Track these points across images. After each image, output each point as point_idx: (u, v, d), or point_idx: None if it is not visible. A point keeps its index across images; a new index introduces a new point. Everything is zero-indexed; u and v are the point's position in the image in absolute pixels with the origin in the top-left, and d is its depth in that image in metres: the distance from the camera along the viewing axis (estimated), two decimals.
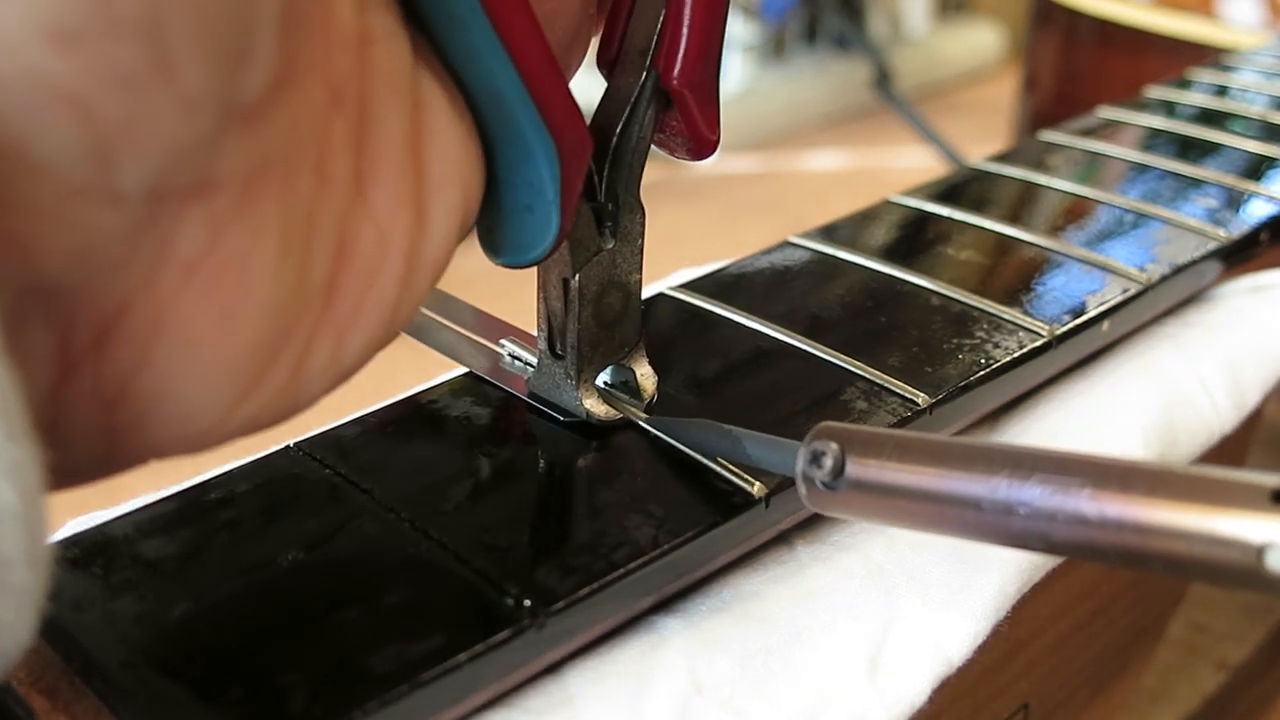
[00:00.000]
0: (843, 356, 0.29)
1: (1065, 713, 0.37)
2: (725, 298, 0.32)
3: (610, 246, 0.25)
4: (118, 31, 0.14)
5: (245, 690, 0.19)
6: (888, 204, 0.39)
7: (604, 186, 0.25)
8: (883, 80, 1.40)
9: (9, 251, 0.15)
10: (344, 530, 0.23)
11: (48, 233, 0.15)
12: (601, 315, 0.26)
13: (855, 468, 0.21)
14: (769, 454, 0.23)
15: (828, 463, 0.21)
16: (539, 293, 0.26)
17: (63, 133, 0.14)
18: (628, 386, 0.27)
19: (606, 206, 0.25)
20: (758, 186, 1.27)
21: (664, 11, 0.24)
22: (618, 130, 0.24)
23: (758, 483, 0.24)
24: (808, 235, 0.36)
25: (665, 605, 0.24)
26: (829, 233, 0.36)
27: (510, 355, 0.28)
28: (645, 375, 0.27)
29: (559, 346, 0.26)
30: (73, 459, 0.17)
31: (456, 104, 0.20)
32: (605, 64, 0.25)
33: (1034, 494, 0.18)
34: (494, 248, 0.23)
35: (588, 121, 0.22)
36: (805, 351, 0.29)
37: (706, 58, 0.24)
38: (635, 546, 0.23)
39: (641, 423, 0.26)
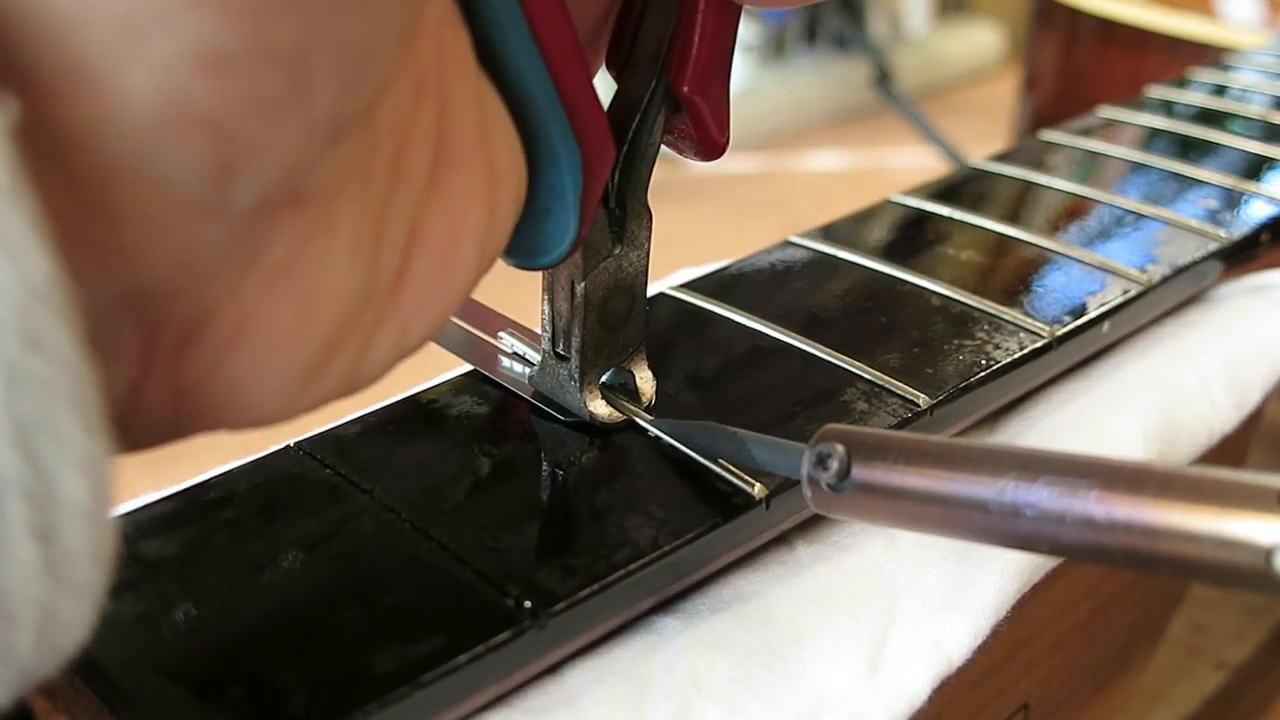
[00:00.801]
0: (843, 356, 0.29)
1: (1065, 713, 0.37)
2: (725, 298, 0.32)
3: (617, 251, 0.25)
4: (268, 60, 0.14)
5: (245, 690, 0.19)
6: (888, 204, 0.39)
7: (615, 194, 0.25)
8: (883, 80, 1.40)
9: (116, 261, 0.15)
10: (344, 530, 0.23)
11: (156, 245, 0.15)
12: (607, 318, 0.26)
13: (861, 470, 0.20)
14: (774, 456, 0.23)
15: (833, 465, 0.21)
16: (544, 293, 0.26)
17: (193, 154, 0.14)
18: (626, 389, 0.27)
19: (614, 211, 0.25)
20: (758, 186, 1.27)
21: (676, 17, 0.23)
22: (629, 136, 0.24)
23: (758, 484, 0.24)
24: (808, 235, 0.36)
25: (665, 605, 0.24)
26: (829, 232, 0.36)
27: (510, 350, 0.28)
28: (645, 379, 0.27)
29: (563, 348, 0.26)
30: (131, 441, 0.17)
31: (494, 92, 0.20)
32: (614, 66, 0.25)
33: (1041, 496, 0.18)
34: (510, 250, 0.23)
35: None
36: (805, 351, 0.29)
37: (717, 62, 0.24)
38: (636, 547, 0.23)
39: (646, 424, 0.26)
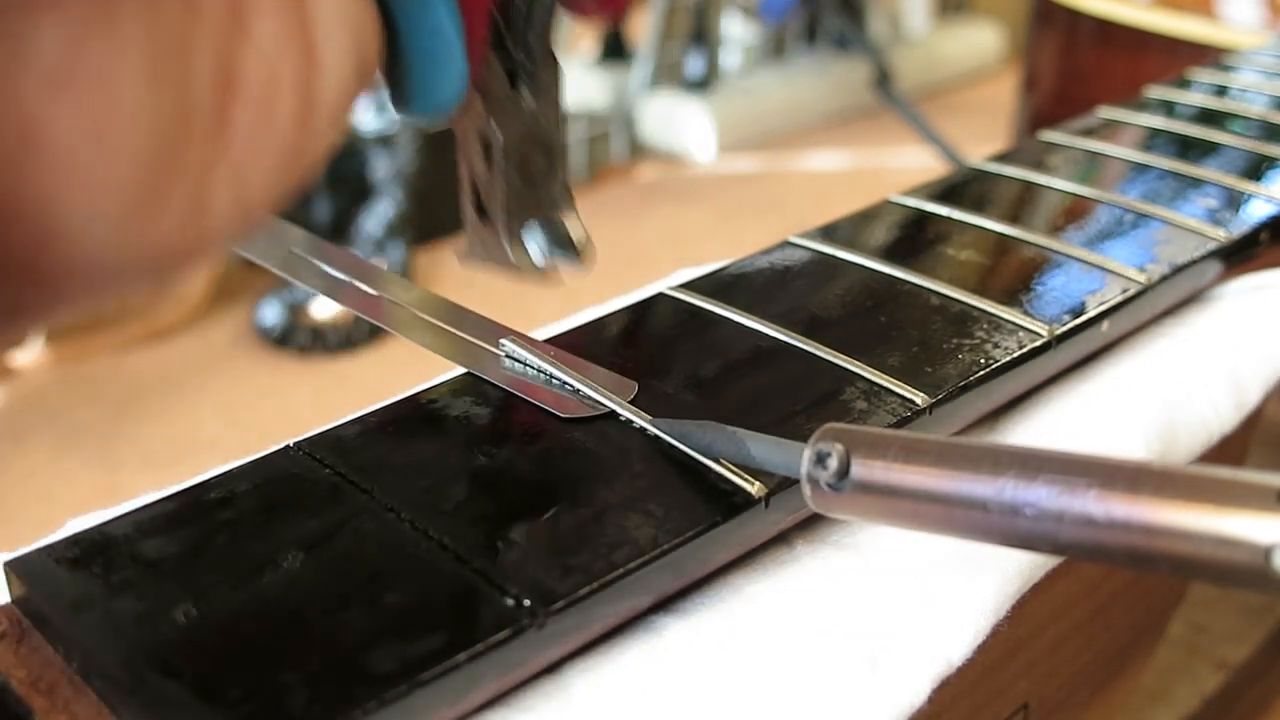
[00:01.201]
0: (842, 356, 0.29)
1: (1065, 713, 0.37)
2: (725, 298, 0.32)
3: (529, 104, 0.25)
4: None
5: (245, 690, 0.19)
6: (888, 204, 0.39)
7: (516, 40, 0.25)
8: (883, 80, 1.40)
9: None
10: (344, 530, 0.23)
11: None
12: (525, 172, 0.26)
13: (860, 469, 0.20)
14: (774, 455, 0.23)
15: (833, 464, 0.21)
16: (459, 156, 0.26)
17: None
18: (560, 240, 0.27)
19: (522, 62, 0.25)
20: (758, 186, 1.27)
21: None
22: None
23: (757, 482, 0.24)
24: (808, 235, 0.36)
25: (665, 604, 0.24)
26: (829, 233, 0.36)
27: (508, 356, 0.28)
28: (576, 228, 0.27)
29: (486, 208, 0.26)
30: None
31: None
32: None
33: (1041, 495, 0.18)
34: (403, 99, 0.23)
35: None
36: (805, 351, 0.29)
37: None
38: (635, 546, 0.23)
39: (646, 424, 0.26)
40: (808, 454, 0.21)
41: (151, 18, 0.18)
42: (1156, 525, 0.17)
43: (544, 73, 0.25)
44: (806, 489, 0.21)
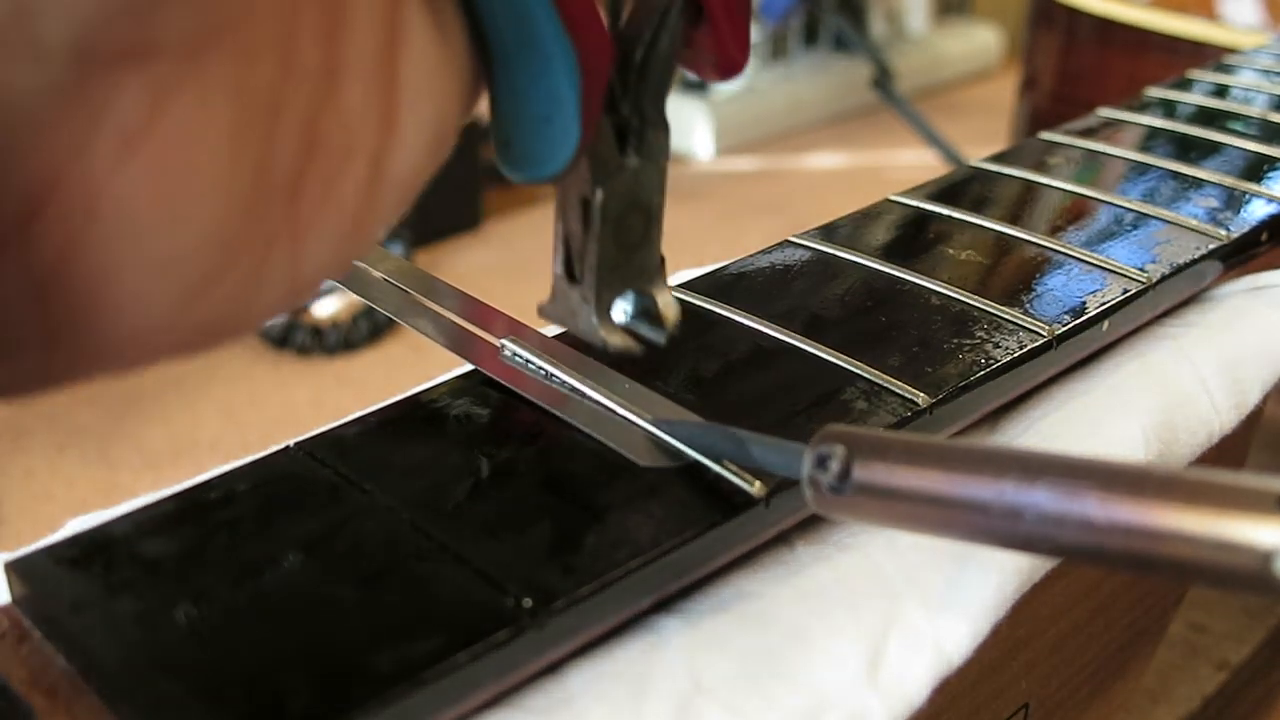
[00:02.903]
0: (843, 356, 0.29)
1: (1065, 713, 0.37)
2: (725, 298, 0.32)
3: (634, 165, 0.24)
4: None
5: (245, 690, 0.19)
6: (888, 203, 0.39)
7: (629, 100, 0.24)
8: (883, 80, 1.40)
9: None
10: (344, 530, 0.23)
11: None
12: (622, 237, 0.25)
13: (861, 471, 0.20)
14: (774, 457, 0.23)
15: (834, 466, 0.21)
16: (557, 213, 0.25)
17: None
18: (648, 314, 0.25)
19: (630, 121, 0.24)
20: (758, 186, 1.27)
21: None
22: (646, 40, 0.23)
23: (758, 482, 0.24)
24: (808, 235, 0.36)
25: (665, 604, 0.24)
26: (829, 232, 0.36)
27: (513, 354, 0.28)
28: (667, 304, 0.26)
29: (576, 270, 0.25)
30: (7, 365, 0.16)
31: (441, 18, 0.19)
32: None
33: (1041, 498, 0.18)
34: (511, 162, 0.22)
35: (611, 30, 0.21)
36: (805, 351, 0.29)
37: None
38: (635, 546, 0.23)
39: (646, 424, 0.26)
40: (809, 456, 0.21)
41: (244, 74, 0.16)
42: (1156, 529, 0.17)
43: (652, 134, 0.24)
44: (808, 491, 0.21)
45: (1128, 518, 0.17)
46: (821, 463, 0.21)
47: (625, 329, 0.25)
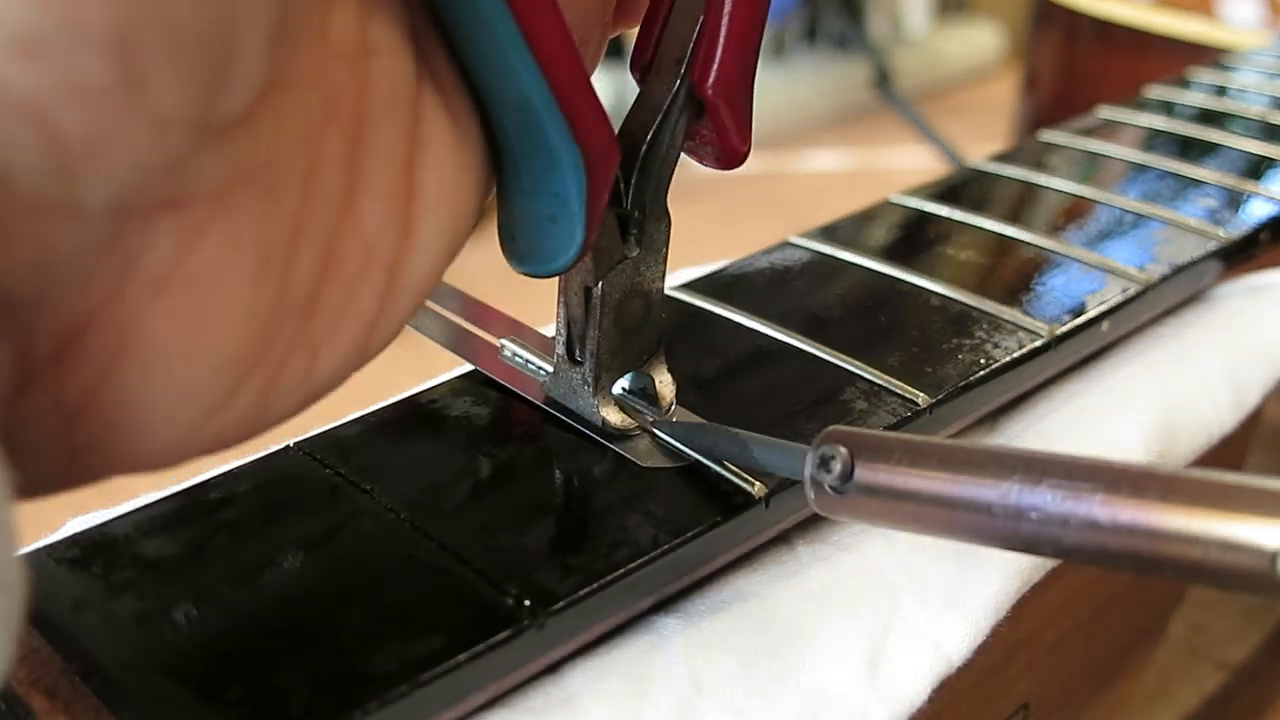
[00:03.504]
0: (843, 356, 0.29)
1: (1065, 713, 0.37)
2: (725, 298, 0.32)
3: (635, 254, 0.25)
4: (84, 44, 0.13)
5: (245, 690, 0.19)
6: (888, 204, 0.39)
7: (631, 194, 0.24)
8: (883, 80, 1.40)
9: None
10: (344, 530, 0.23)
11: (5, 245, 0.14)
12: (622, 323, 0.25)
13: (864, 472, 0.20)
14: (777, 458, 0.23)
15: (836, 467, 0.21)
16: (559, 297, 0.26)
17: (22, 144, 0.14)
18: (646, 394, 0.26)
19: (633, 214, 0.25)
20: (758, 186, 1.27)
21: (701, 19, 0.23)
22: (648, 137, 0.24)
23: (758, 482, 0.24)
24: (808, 235, 0.36)
25: (665, 605, 0.24)
26: (829, 233, 0.36)
27: (513, 354, 0.28)
28: (664, 383, 0.26)
29: (578, 353, 0.26)
30: (30, 472, 0.16)
31: (459, 122, 0.20)
32: (639, 69, 0.24)
33: (1046, 499, 0.18)
34: (517, 256, 0.22)
35: (615, 128, 0.22)
36: (805, 351, 0.29)
37: (742, 67, 0.24)
38: (635, 546, 0.23)
39: (649, 426, 0.26)
40: (811, 457, 0.21)
41: (268, 210, 0.17)
42: (1161, 530, 0.17)
43: (653, 226, 0.25)
44: (810, 492, 0.21)
45: (1132, 518, 0.17)
46: (824, 464, 0.21)
47: (622, 406, 0.26)
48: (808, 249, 0.35)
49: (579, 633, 0.22)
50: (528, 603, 0.21)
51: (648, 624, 0.24)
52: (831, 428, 0.21)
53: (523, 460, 0.26)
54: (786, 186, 1.31)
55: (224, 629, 0.21)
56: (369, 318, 0.19)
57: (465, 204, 0.20)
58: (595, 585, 0.22)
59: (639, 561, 0.23)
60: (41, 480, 0.17)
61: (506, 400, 0.27)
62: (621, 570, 0.22)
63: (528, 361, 0.28)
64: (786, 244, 0.35)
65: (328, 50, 0.17)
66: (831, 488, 0.21)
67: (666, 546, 0.23)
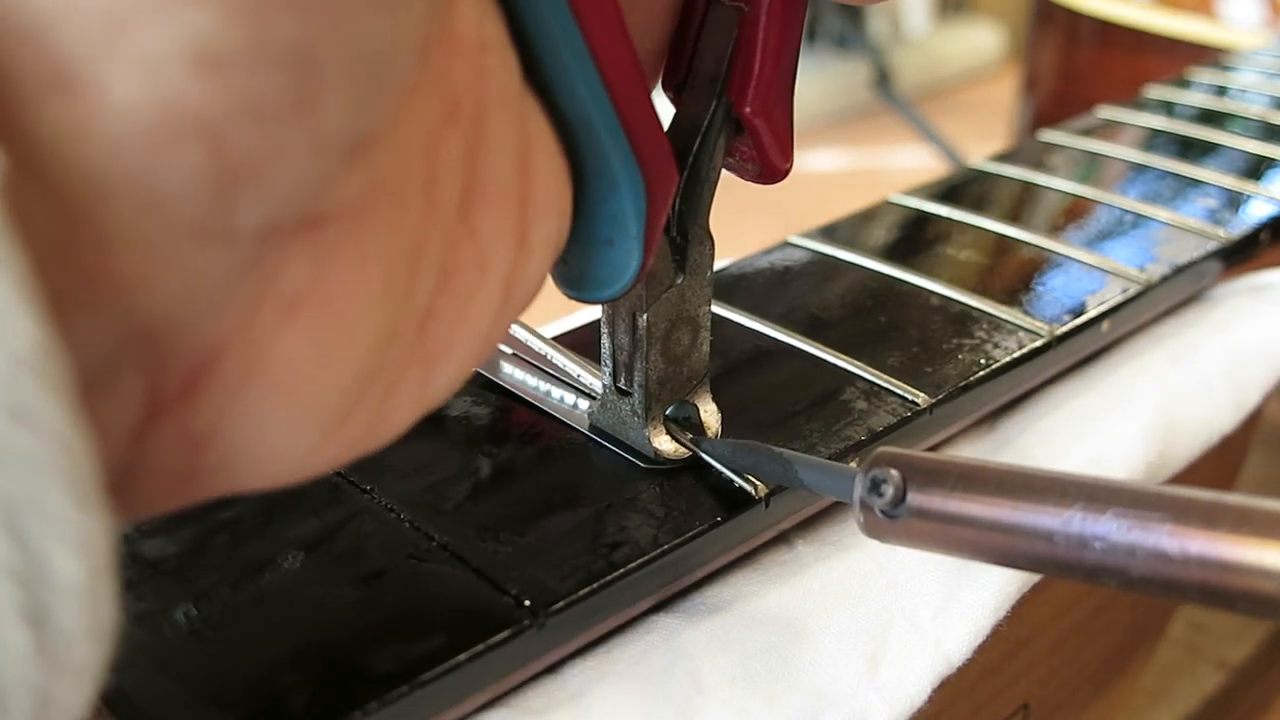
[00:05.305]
0: (843, 356, 0.29)
1: (1065, 713, 0.37)
2: (725, 297, 0.32)
3: (680, 281, 0.24)
4: (268, 61, 0.13)
5: (245, 690, 0.19)
6: (888, 204, 0.39)
7: (674, 220, 0.24)
8: (883, 80, 1.40)
9: (110, 291, 0.13)
10: (344, 530, 0.23)
11: (153, 272, 0.14)
12: (670, 351, 0.25)
13: (917, 496, 0.20)
14: (824, 480, 0.22)
15: (889, 491, 0.20)
16: (604, 327, 0.25)
17: (188, 165, 0.13)
18: (691, 423, 0.26)
19: (675, 240, 0.24)
20: (757, 186, 1.27)
21: (735, 35, 0.22)
22: (689, 160, 0.23)
23: (758, 483, 0.24)
24: (808, 235, 0.36)
25: (666, 604, 0.24)
26: (829, 233, 0.36)
27: (559, 398, 0.27)
28: (709, 411, 0.26)
29: (625, 383, 0.25)
30: (143, 498, 0.16)
31: (551, 128, 0.19)
32: (671, 87, 0.23)
33: (1111, 528, 0.17)
34: (570, 282, 0.21)
35: None
36: (805, 351, 0.29)
37: (780, 84, 0.23)
38: (635, 546, 0.23)
39: (689, 445, 0.25)
40: (861, 480, 0.20)
41: (394, 222, 0.16)
42: (1234, 562, 0.16)
43: (696, 250, 0.24)
44: (859, 516, 0.20)
45: (1203, 550, 0.16)
46: (875, 487, 0.20)
47: (673, 434, 0.25)
48: (808, 249, 0.35)
49: (579, 632, 0.22)
50: (528, 603, 0.21)
51: (648, 623, 0.24)
52: (882, 449, 0.20)
53: (522, 459, 0.26)
54: (786, 186, 1.31)
55: (224, 629, 0.21)
56: (483, 331, 0.18)
57: (566, 211, 0.20)
58: (595, 585, 0.22)
59: (639, 561, 0.23)
60: (150, 504, 0.16)
61: (506, 400, 0.27)
62: (621, 570, 0.22)
63: (575, 404, 0.27)
64: (786, 244, 0.35)
65: (453, 48, 0.17)
66: (883, 512, 0.20)
67: (666, 546, 0.23)
